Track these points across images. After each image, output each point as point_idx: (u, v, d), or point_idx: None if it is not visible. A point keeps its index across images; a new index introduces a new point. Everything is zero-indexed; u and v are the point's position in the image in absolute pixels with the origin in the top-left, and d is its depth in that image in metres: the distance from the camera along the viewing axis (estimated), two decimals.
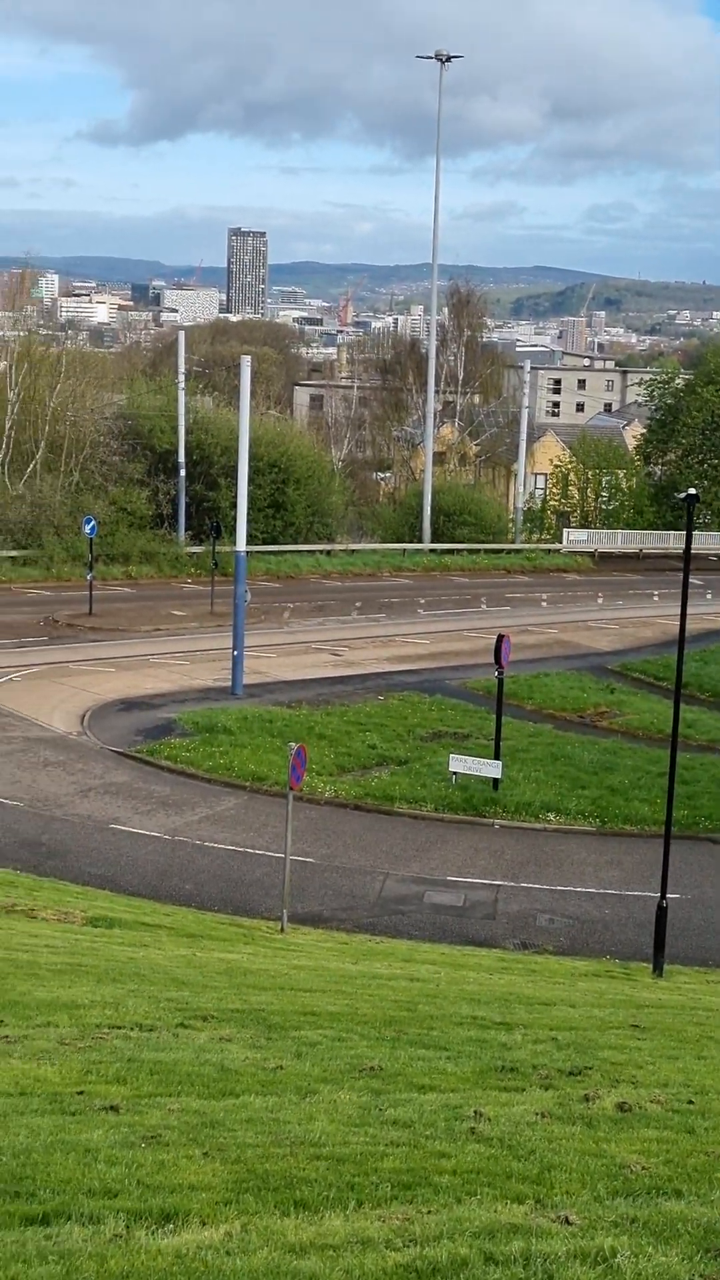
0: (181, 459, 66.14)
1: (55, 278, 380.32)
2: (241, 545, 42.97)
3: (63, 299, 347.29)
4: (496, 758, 33.09)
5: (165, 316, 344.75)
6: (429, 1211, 7.09)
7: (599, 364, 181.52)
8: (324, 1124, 8.96)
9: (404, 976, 18.74)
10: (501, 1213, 7.11)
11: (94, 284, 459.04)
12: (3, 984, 14.45)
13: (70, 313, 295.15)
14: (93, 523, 55.34)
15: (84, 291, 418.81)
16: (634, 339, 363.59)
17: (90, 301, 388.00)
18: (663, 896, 23.63)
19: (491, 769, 32.56)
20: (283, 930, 23.49)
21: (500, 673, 34.27)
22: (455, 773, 32.77)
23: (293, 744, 25.18)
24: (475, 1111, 9.38)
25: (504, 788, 32.41)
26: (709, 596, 63.37)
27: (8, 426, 65.80)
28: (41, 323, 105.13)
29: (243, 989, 15.68)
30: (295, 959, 20.13)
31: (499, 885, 27.45)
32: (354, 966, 19.79)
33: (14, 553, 61.66)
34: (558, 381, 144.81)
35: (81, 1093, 9.71)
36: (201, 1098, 9.74)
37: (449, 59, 72.98)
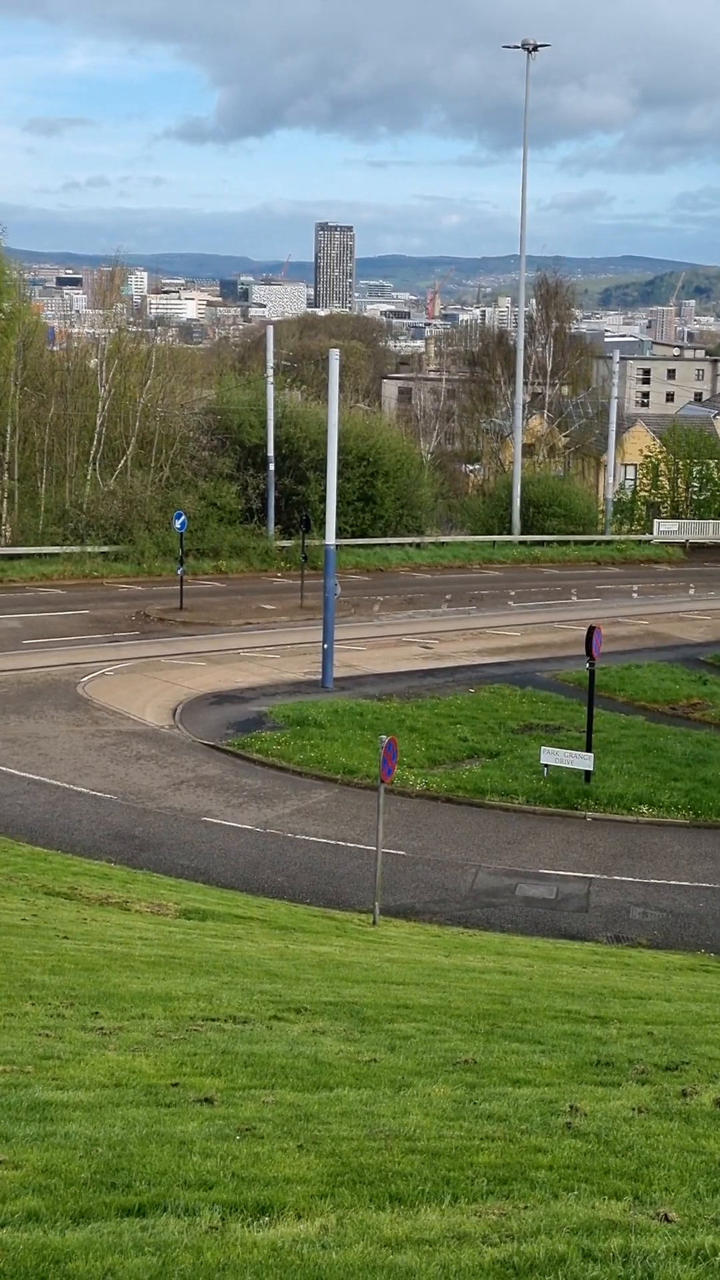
0: (271, 453, 66.38)
1: (144, 275, 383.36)
2: (331, 539, 43.00)
3: (152, 296, 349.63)
4: (588, 750, 32.87)
5: (253, 312, 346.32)
6: (525, 1207, 7.02)
7: (689, 353, 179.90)
8: (418, 1117, 8.92)
9: (497, 970, 18.66)
10: (599, 1209, 7.03)
11: (183, 281, 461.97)
12: (98, 976, 14.55)
13: (159, 309, 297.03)
14: (183, 518, 55.64)
15: (173, 288, 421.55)
16: None
17: (179, 298, 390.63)
18: None
19: (583, 761, 32.35)
20: (375, 923, 23.48)
21: (591, 665, 34.02)
22: (547, 765, 32.59)
23: (383, 736, 25.14)
24: (571, 1106, 9.29)
25: (596, 780, 32.20)
26: None
27: (99, 423, 66.37)
28: (131, 320, 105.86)
29: (335, 981, 15.68)
30: (388, 952, 20.11)
31: (591, 878, 27.26)
32: (446, 959, 19.73)
33: (106, 548, 62.20)
34: (647, 371, 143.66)
35: (176, 1085, 9.74)
36: (295, 1090, 9.74)
37: (536, 48, 72.62)
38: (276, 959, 17.61)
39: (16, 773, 32.45)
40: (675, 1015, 14.76)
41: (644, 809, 31.25)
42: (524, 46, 72.54)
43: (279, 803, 31.26)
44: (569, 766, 32.41)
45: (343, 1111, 9.05)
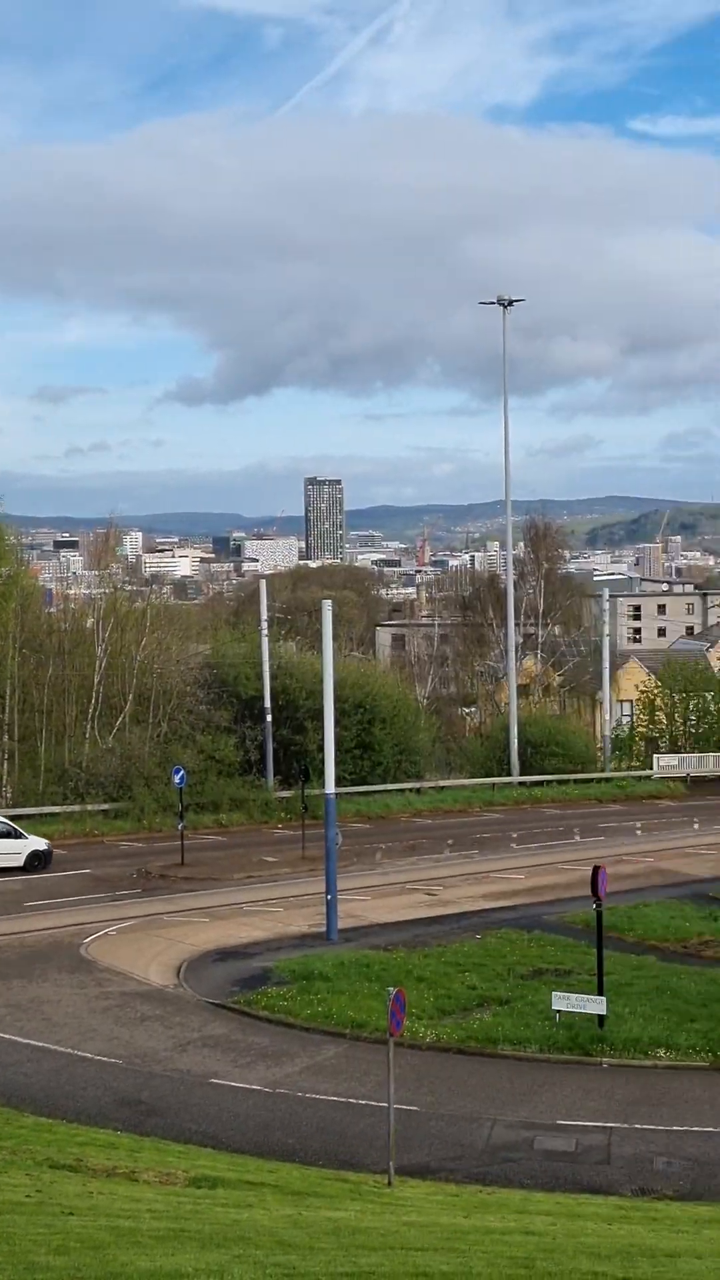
0: (267, 704, 66.78)
1: (139, 535, 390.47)
2: (330, 788, 42.98)
3: (146, 555, 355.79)
4: (600, 993, 32.27)
5: (246, 566, 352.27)
6: None
7: (678, 588, 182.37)
8: None
9: (518, 1230, 17.99)
10: None
11: (176, 539, 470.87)
12: (105, 1254, 14.02)
13: (154, 568, 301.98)
14: (181, 772, 55.64)
15: (167, 547, 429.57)
16: (711, 561, 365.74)
17: (173, 556, 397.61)
18: None
19: (596, 1005, 31.74)
20: (390, 1184, 22.73)
21: (598, 905, 33.62)
22: (559, 1011, 31.97)
23: (390, 988, 24.72)
24: None
25: (610, 1024, 31.52)
26: None
27: (96, 681, 66.84)
28: (126, 579, 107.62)
29: (351, 1250, 15.10)
30: (405, 1214, 19.42)
31: (611, 1128, 26.48)
32: (465, 1220, 19.05)
33: (105, 805, 62.08)
34: (637, 608, 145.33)
35: None
36: None
37: (511, 303, 75.54)
38: (289, 1227, 17.00)
39: (20, 1039, 31.78)
40: (708, 1273, 14.21)
41: (661, 1053, 30.55)
42: (499, 302, 75.43)
43: (287, 1061, 30.55)
44: (581, 1011, 31.78)
45: None
